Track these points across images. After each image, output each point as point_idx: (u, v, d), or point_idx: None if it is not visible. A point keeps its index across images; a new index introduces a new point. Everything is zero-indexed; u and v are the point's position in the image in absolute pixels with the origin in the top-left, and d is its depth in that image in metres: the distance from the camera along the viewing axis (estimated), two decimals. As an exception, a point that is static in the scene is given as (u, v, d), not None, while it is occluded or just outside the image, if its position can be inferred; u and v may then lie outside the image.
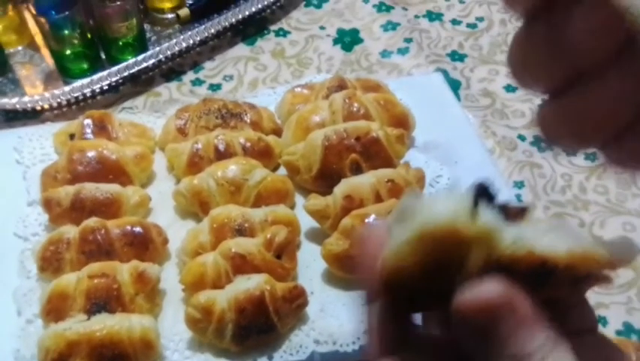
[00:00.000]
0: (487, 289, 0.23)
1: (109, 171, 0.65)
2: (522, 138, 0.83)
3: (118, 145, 0.67)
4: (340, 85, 0.73)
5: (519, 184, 0.78)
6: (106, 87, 0.84)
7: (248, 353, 0.56)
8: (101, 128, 0.69)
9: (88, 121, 0.69)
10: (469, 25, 0.98)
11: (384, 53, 0.93)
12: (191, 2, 0.94)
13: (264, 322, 0.55)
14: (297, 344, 0.58)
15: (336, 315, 0.60)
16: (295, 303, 0.57)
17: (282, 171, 0.71)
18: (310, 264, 0.64)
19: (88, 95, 0.83)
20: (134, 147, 0.68)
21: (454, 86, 0.88)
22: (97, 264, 0.57)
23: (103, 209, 0.61)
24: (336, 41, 0.95)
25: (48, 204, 0.62)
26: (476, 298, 0.23)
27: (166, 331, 0.58)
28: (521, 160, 0.81)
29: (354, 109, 0.69)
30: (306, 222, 0.65)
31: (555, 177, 0.80)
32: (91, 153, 0.65)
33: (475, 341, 0.24)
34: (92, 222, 0.59)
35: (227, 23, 0.92)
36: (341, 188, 0.63)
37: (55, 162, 0.66)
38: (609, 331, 0.67)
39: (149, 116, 0.76)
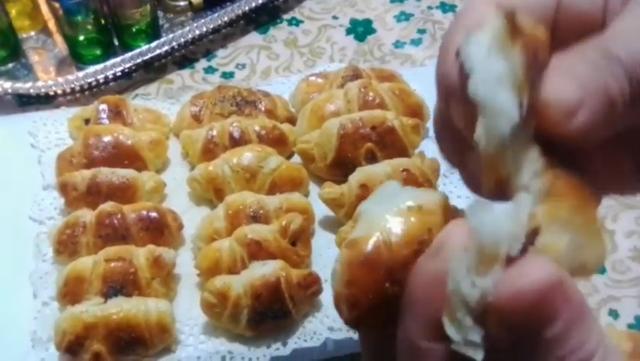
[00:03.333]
0: (533, 275, 0.18)
1: (124, 156, 0.65)
2: (535, 130, 0.83)
3: (133, 131, 0.67)
4: (355, 74, 0.73)
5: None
6: (119, 73, 0.84)
7: (262, 339, 0.57)
8: (116, 114, 0.69)
9: (103, 106, 0.69)
10: (482, 17, 0.98)
11: (398, 44, 0.93)
12: (204, -10, 0.94)
13: (279, 308, 0.55)
14: (311, 330, 0.58)
15: (349, 303, 0.60)
16: (310, 290, 0.57)
17: (296, 159, 0.71)
18: (324, 252, 0.64)
19: (101, 81, 0.83)
20: (149, 132, 0.68)
21: (468, 77, 0.88)
22: (113, 248, 0.57)
23: (119, 194, 0.62)
24: (349, 31, 0.95)
25: (64, 188, 0.62)
26: (521, 290, 0.18)
27: (181, 315, 0.58)
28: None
29: (370, 98, 0.69)
30: (320, 210, 0.65)
31: (568, 170, 0.80)
32: (107, 138, 0.65)
33: (514, 346, 0.19)
34: (108, 206, 0.59)
35: (240, 11, 0.91)
36: (356, 177, 0.63)
37: (71, 147, 0.67)
38: (621, 324, 0.68)
39: (163, 103, 0.76)
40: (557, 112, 0.21)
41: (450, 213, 0.23)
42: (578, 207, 0.22)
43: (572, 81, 0.21)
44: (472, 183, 0.26)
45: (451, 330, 0.19)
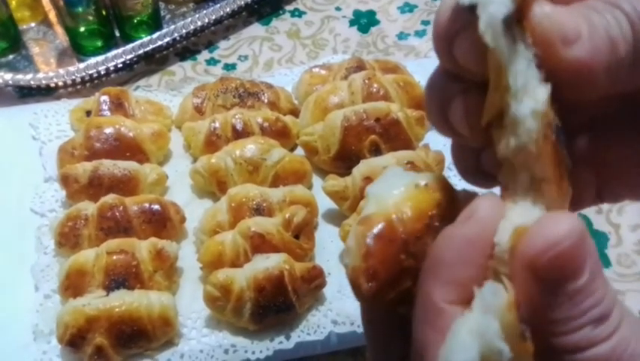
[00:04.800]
0: (564, 226, 0.18)
1: (126, 148, 0.64)
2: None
3: (135, 122, 0.66)
4: (359, 66, 0.72)
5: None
6: (120, 65, 0.83)
7: (266, 332, 0.56)
8: (118, 106, 0.68)
9: (104, 98, 0.68)
10: (487, 9, 0.97)
11: (401, 35, 0.92)
12: (206, -20, 0.93)
13: (282, 301, 0.55)
14: (315, 324, 0.57)
15: (353, 296, 0.59)
16: (313, 283, 0.57)
17: (299, 151, 0.70)
18: (327, 245, 0.63)
19: (102, 72, 0.82)
20: (150, 124, 0.67)
21: (472, 69, 0.87)
22: (115, 240, 0.56)
23: (121, 186, 0.61)
24: (352, 22, 0.94)
25: (66, 180, 0.62)
26: (555, 238, 0.18)
27: (183, 309, 0.57)
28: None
29: (374, 90, 0.68)
30: (324, 203, 0.65)
31: (573, 163, 0.79)
32: (108, 130, 0.64)
33: (537, 304, 0.19)
34: (110, 199, 0.59)
35: (242, 2, 0.91)
36: (360, 169, 0.62)
37: (72, 139, 0.66)
38: (626, 318, 0.67)
39: (165, 95, 0.76)
40: (554, 36, 0.20)
41: (454, 191, 0.24)
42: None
43: (573, 12, 0.20)
44: (461, 155, 0.26)
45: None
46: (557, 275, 0.19)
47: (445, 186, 0.24)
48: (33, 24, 0.89)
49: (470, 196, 0.24)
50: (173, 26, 0.86)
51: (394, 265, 0.23)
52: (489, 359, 0.19)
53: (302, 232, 0.60)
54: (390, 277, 0.23)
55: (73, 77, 0.81)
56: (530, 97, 0.20)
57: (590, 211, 0.74)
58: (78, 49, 0.85)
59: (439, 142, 0.70)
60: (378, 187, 0.24)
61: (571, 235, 0.18)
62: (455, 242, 0.21)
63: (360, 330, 0.58)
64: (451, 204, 0.24)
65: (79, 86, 0.83)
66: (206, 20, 0.88)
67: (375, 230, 0.23)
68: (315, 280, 0.57)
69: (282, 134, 0.68)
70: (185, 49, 0.89)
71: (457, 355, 0.19)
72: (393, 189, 0.24)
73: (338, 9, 0.96)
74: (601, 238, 0.73)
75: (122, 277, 0.54)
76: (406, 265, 0.23)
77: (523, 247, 0.19)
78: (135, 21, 0.86)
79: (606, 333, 0.19)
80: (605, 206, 0.75)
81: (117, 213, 0.58)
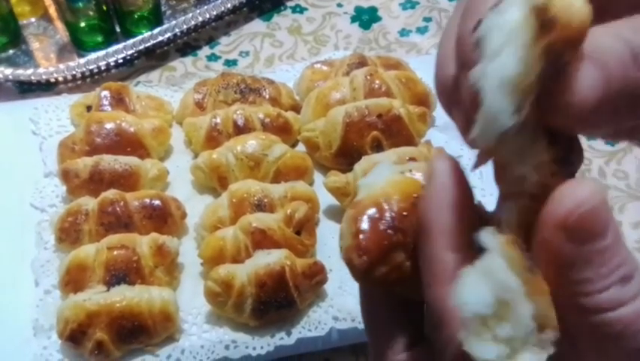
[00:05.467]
0: (589, 188, 0.19)
1: (127, 143, 0.64)
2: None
3: (136, 118, 0.66)
4: (361, 62, 0.72)
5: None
6: (121, 60, 0.83)
7: (266, 328, 0.56)
8: (119, 101, 0.68)
9: (105, 93, 0.68)
10: (489, 6, 0.97)
11: (403, 32, 0.92)
12: (207, -24, 0.93)
13: (283, 297, 0.55)
14: (316, 320, 0.57)
15: (354, 292, 0.59)
16: (315, 279, 0.57)
17: (301, 147, 0.70)
18: (328, 241, 0.63)
19: (103, 68, 0.82)
20: (151, 120, 0.67)
21: (474, 66, 0.87)
22: (116, 236, 0.56)
23: (121, 181, 0.61)
24: (353, 19, 0.93)
25: (66, 175, 0.61)
26: (579, 201, 0.19)
27: (184, 304, 0.57)
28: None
29: (376, 86, 0.68)
30: (325, 199, 0.65)
31: (575, 160, 0.79)
32: (109, 125, 0.64)
33: (566, 264, 0.20)
34: (110, 194, 0.59)
35: (243, -2, 0.90)
36: (362, 165, 0.62)
37: (73, 134, 0.66)
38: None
39: (166, 90, 0.76)
40: (578, 112, 0.19)
41: None
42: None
43: (597, 74, 0.19)
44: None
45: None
46: (588, 232, 0.19)
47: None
48: (33, 19, 0.89)
49: None
50: (173, 22, 0.86)
51: (384, 241, 0.24)
52: (503, 296, 0.19)
53: (303, 228, 0.59)
54: (381, 252, 0.24)
55: (74, 73, 0.81)
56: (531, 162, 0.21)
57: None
58: (78, 44, 0.85)
59: (440, 139, 0.70)
60: (368, 179, 0.26)
61: (596, 195, 0.19)
62: (444, 196, 0.23)
63: (361, 326, 0.57)
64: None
65: (79, 82, 0.82)
66: (207, 16, 0.88)
67: (364, 210, 0.24)
68: (316, 276, 0.57)
69: (283, 130, 0.68)
70: (186, 44, 0.89)
71: (470, 297, 0.20)
72: (380, 178, 0.26)
73: (339, 5, 0.95)
74: (602, 236, 0.73)
75: (123, 273, 0.54)
76: (395, 240, 0.24)
77: (552, 208, 0.20)
78: (136, 16, 0.86)
79: (632, 292, 0.20)
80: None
81: (118, 209, 0.58)
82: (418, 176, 0.26)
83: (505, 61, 0.19)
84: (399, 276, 0.25)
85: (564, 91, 0.19)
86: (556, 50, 0.18)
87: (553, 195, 0.20)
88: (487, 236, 0.20)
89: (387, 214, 0.24)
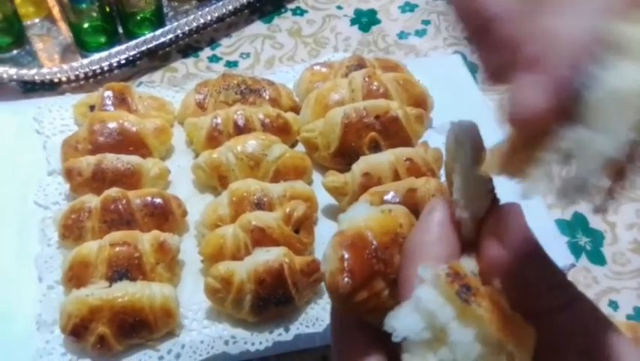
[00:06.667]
0: None
1: (129, 142, 0.65)
2: (538, 122, 0.83)
3: (138, 118, 0.67)
4: (359, 64, 0.73)
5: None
6: (123, 61, 0.84)
7: (265, 324, 0.57)
8: (121, 101, 0.69)
9: (108, 93, 0.69)
10: (487, 9, 0.98)
11: (402, 35, 0.93)
12: (208, -22, 0.94)
13: (282, 294, 0.56)
14: (314, 316, 0.58)
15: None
16: (313, 277, 0.58)
17: (300, 147, 0.71)
18: (326, 240, 0.63)
19: (106, 68, 0.83)
20: (153, 120, 0.68)
21: (472, 69, 0.88)
22: (118, 233, 0.57)
23: (124, 180, 0.62)
24: (353, 21, 0.95)
25: (69, 173, 0.62)
26: None
27: (184, 301, 0.58)
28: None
29: (374, 88, 0.69)
30: (323, 199, 0.66)
31: (570, 162, 0.80)
32: (112, 125, 0.65)
33: None
34: (113, 192, 0.60)
35: (244, 0, 0.92)
36: (360, 165, 0.63)
37: (76, 133, 0.67)
38: (620, 315, 0.68)
39: (167, 90, 0.77)
40: None
41: (414, 218, 0.28)
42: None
43: None
44: None
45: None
46: None
47: (407, 213, 0.29)
48: (37, 20, 0.90)
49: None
50: (175, 23, 0.87)
51: (367, 268, 0.26)
52: (434, 323, 0.22)
53: (302, 227, 0.60)
54: (364, 277, 0.26)
55: (77, 73, 0.82)
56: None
57: (586, 210, 0.75)
58: (81, 45, 0.86)
59: (437, 140, 0.71)
60: (349, 213, 0.28)
61: None
62: (432, 225, 0.25)
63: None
64: (412, 228, 0.28)
65: (82, 82, 0.84)
66: (209, 18, 0.89)
67: (349, 239, 0.27)
68: (314, 274, 0.58)
69: (283, 131, 0.69)
70: (188, 46, 0.90)
71: (400, 323, 0.22)
72: (362, 214, 0.28)
73: (339, 8, 0.97)
74: (597, 236, 0.74)
75: (125, 269, 0.55)
76: (377, 268, 0.26)
77: None
78: (138, 18, 0.87)
79: None
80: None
81: (120, 206, 0.59)
82: (398, 214, 0.28)
83: (610, 138, 0.19)
84: (377, 304, 0.27)
85: None
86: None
87: None
88: (424, 268, 0.23)
89: (371, 245, 0.26)
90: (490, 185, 0.25)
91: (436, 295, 0.22)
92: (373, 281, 0.26)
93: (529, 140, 0.21)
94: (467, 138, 0.25)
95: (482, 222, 0.25)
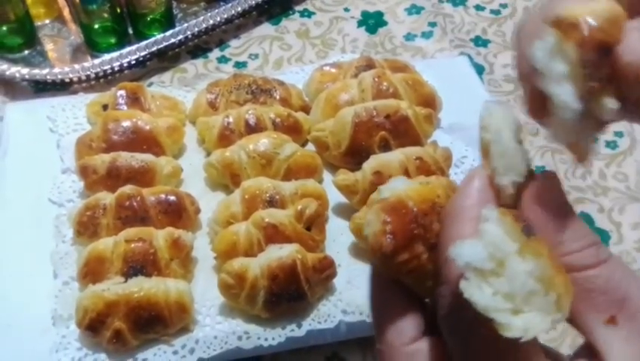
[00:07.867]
0: None
1: (143, 141, 0.66)
2: (544, 123, 0.84)
3: (151, 116, 0.68)
4: (368, 64, 0.74)
5: (540, 169, 0.80)
6: (134, 62, 0.85)
7: (278, 320, 0.58)
8: (134, 100, 0.70)
9: (121, 92, 0.70)
10: (492, 12, 0.99)
11: (408, 36, 0.94)
12: (217, -20, 0.95)
13: (294, 290, 0.57)
14: (325, 313, 0.59)
15: (362, 287, 0.61)
16: (325, 273, 0.58)
17: (310, 147, 0.72)
18: (337, 238, 0.65)
19: (116, 69, 0.84)
20: (166, 118, 0.69)
21: (478, 70, 0.89)
22: (133, 229, 0.58)
23: (138, 177, 0.63)
24: (360, 23, 0.96)
25: (84, 171, 0.63)
26: None
27: (198, 297, 0.59)
28: (543, 146, 0.82)
29: (384, 88, 0.70)
30: (334, 197, 0.66)
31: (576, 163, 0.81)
32: (125, 123, 0.66)
33: None
34: (128, 189, 0.61)
35: (252, 2, 0.92)
36: (370, 164, 0.64)
37: (90, 131, 0.68)
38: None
39: (179, 90, 0.78)
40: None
41: (450, 190, 0.30)
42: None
43: None
44: None
45: None
46: None
47: (444, 185, 0.31)
48: (48, 21, 0.91)
49: None
50: (185, 25, 0.88)
51: (408, 231, 0.28)
52: (496, 254, 0.23)
53: (313, 224, 0.61)
54: (405, 238, 0.28)
55: (88, 73, 0.83)
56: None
57: (592, 210, 0.76)
58: (92, 45, 0.87)
59: (446, 140, 0.72)
60: (390, 185, 0.30)
61: None
62: (472, 190, 0.27)
63: (369, 320, 0.59)
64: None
65: (93, 82, 0.85)
66: (218, 19, 0.90)
67: (391, 205, 0.28)
68: (326, 270, 0.58)
69: (293, 130, 0.70)
70: (197, 47, 0.91)
71: (465, 251, 0.24)
72: (401, 185, 0.30)
73: (347, 10, 0.98)
74: (603, 236, 0.75)
75: (140, 265, 0.56)
76: (417, 232, 0.28)
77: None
78: (148, 19, 0.88)
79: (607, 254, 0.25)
80: (606, 205, 0.77)
81: (135, 203, 0.60)
82: (436, 185, 0.30)
83: (553, 64, 0.25)
84: (416, 266, 0.28)
85: (620, 57, 0.23)
86: (588, 42, 0.24)
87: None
88: (488, 209, 0.25)
89: (411, 211, 0.28)
90: (527, 153, 0.28)
91: (501, 231, 0.24)
92: (414, 244, 0.28)
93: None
94: (507, 112, 0.28)
95: (522, 188, 0.27)
